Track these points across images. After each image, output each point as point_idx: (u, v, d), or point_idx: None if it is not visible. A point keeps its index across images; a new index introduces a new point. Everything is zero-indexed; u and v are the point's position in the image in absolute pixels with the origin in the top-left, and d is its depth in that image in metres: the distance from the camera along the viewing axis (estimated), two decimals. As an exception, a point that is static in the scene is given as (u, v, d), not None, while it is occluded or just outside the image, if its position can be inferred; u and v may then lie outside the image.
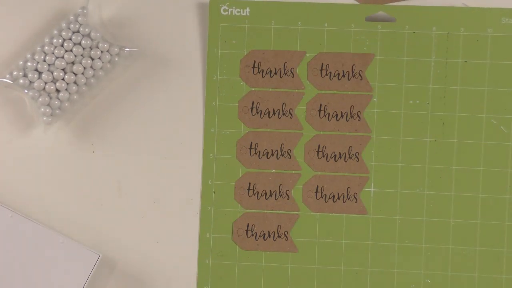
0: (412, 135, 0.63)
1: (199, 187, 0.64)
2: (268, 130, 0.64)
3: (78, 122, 0.64)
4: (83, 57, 0.63)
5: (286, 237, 0.63)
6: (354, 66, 0.63)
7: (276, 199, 0.63)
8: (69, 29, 0.63)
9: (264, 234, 0.63)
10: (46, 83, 0.62)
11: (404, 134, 0.63)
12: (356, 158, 0.63)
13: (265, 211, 0.63)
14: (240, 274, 0.63)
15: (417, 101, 0.63)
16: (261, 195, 0.63)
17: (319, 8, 0.64)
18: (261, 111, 0.64)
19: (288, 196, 0.63)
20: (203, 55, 0.64)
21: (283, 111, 0.64)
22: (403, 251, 0.62)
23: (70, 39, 0.63)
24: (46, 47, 0.63)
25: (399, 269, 0.62)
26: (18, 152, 0.64)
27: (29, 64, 0.62)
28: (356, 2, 0.64)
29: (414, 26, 0.63)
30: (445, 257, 0.62)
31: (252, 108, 0.64)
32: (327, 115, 0.64)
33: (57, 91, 0.63)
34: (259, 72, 0.64)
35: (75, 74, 0.63)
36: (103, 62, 0.63)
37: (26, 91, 0.62)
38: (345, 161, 0.63)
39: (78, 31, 0.63)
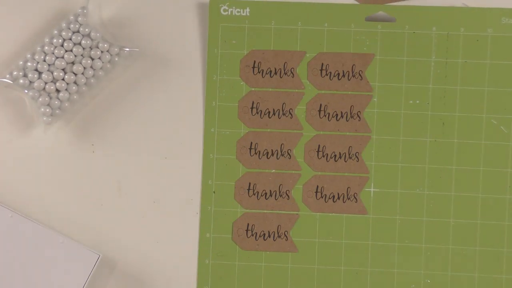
0: (412, 135, 0.63)
1: (199, 187, 0.64)
2: (268, 130, 0.64)
3: (78, 122, 0.64)
4: (83, 57, 0.63)
5: (286, 237, 0.63)
6: (354, 66, 0.63)
7: (276, 199, 0.63)
8: (69, 29, 0.63)
9: (264, 234, 0.63)
10: (46, 83, 0.62)
11: (404, 134, 0.63)
12: (356, 158, 0.63)
13: (265, 211, 0.63)
14: (240, 274, 0.63)
15: (417, 101, 0.63)
16: (261, 195, 0.63)
17: (319, 8, 0.64)
18: (261, 111, 0.64)
19: (288, 196, 0.63)
20: (203, 55, 0.64)
21: (283, 111, 0.64)
22: (403, 251, 0.62)
23: (70, 39, 0.63)
24: (46, 47, 0.63)
25: (399, 269, 0.62)
26: (18, 152, 0.64)
27: (29, 64, 0.62)
28: (356, 2, 0.64)
29: (414, 26, 0.63)
30: (445, 257, 0.62)
31: (252, 108, 0.64)
32: (327, 115, 0.64)
33: (57, 91, 0.63)
34: (259, 72, 0.64)
35: (75, 74, 0.63)
36: (103, 62, 0.63)
37: (26, 91, 0.62)
38: (345, 161, 0.63)
39: (78, 31, 0.63)
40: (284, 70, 0.64)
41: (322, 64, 0.64)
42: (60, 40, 0.63)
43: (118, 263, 0.63)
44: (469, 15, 0.63)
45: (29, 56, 0.63)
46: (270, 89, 0.64)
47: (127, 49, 0.63)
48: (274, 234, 0.63)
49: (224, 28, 0.64)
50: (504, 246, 0.62)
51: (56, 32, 0.63)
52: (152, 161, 0.64)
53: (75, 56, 0.63)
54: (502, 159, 0.63)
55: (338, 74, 0.64)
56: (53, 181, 0.64)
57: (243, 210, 0.63)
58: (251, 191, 0.63)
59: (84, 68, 0.63)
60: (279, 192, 0.63)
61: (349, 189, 0.63)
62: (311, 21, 0.64)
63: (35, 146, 0.64)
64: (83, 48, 0.63)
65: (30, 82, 0.62)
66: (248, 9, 0.64)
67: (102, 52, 0.63)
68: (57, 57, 0.62)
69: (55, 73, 0.62)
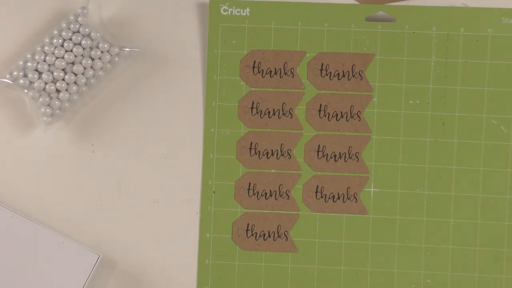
0: (412, 135, 0.63)
1: (199, 187, 0.64)
2: (268, 130, 0.64)
3: (78, 122, 0.64)
4: (83, 57, 0.63)
5: (286, 237, 0.63)
6: (354, 66, 0.63)
7: (276, 199, 0.63)
8: (69, 29, 0.63)
9: (264, 234, 0.63)
10: (46, 83, 0.62)
11: (404, 134, 0.63)
12: (356, 158, 0.63)
13: (265, 211, 0.63)
14: (240, 274, 0.63)
15: (417, 101, 0.63)
16: (261, 195, 0.63)
17: (319, 8, 0.64)
18: (261, 111, 0.64)
19: (288, 196, 0.63)
20: (203, 55, 0.64)
21: (283, 111, 0.64)
22: (403, 251, 0.62)
23: (70, 39, 0.63)
24: (46, 47, 0.63)
25: (399, 269, 0.62)
26: (18, 152, 0.64)
27: (29, 64, 0.62)
28: (356, 2, 0.64)
29: (414, 26, 0.63)
30: (445, 257, 0.62)
31: (252, 108, 0.64)
32: (327, 115, 0.64)
33: (57, 91, 0.63)
34: (259, 72, 0.64)
35: (75, 74, 0.63)
36: (103, 62, 0.63)
37: (26, 91, 0.62)
38: (345, 161, 0.63)
39: (78, 31, 0.63)
40: (284, 70, 0.64)
41: (322, 64, 0.64)
42: (60, 40, 0.63)
43: (118, 263, 0.63)
44: (469, 15, 0.63)
45: (29, 56, 0.63)
46: (270, 89, 0.64)
47: (127, 49, 0.63)
48: (274, 234, 0.63)
49: (224, 28, 0.64)
50: (504, 246, 0.62)
51: (56, 32, 0.63)
52: (152, 161, 0.64)
53: (75, 56, 0.63)
54: (502, 159, 0.63)
55: (338, 74, 0.64)
56: (53, 181, 0.64)
57: (243, 210, 0.63)
58: (251, 191, 0.63)
59: (84, 68, 0.63)
60: (279, 192, 0.63)
61: (349, 189, 0.63)
62: (311, 21, 0.64)
63: (35, 146, 0.64)
64: (83, 48, 0.63)
65: (30, 82, 0.62)
66: (248, 9, 0.64)
67: (102, 52, 0.63)
68: (57, 57, 0.62)
69: (55, 73, 0.62)
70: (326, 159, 0.63)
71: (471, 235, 0.62)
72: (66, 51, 0.63)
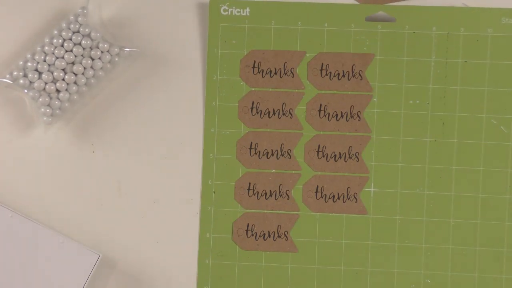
0: (412, 135, 0.63)
1: (199, 187, 0.64)
2: (268, 130, 0.64)
3: (78, 122, 0.64)
4: (83, 57, 0.63)
5: (286, 237, 0.63)
6: (354, 66, 0.63)
7: (276, 199, 0.63)
8: (69, 29, 0.63)
9: (264, 234, 0.63)
10: (46, 83, 0.62)
11: (404, 134, 0.63)
12: (356, 158, 0.63)
13: (265, 211, 0.63)
14: (240, 274, 0.63)
15: (417, 101, 0.63)
16: (261, 195, 0.63)
17: (319, 8, 0.64)
18: (261, 111, 0.64)
19: (288, 196, 0.63)
20: (203, 55, 0.64)
21: (283, 111, 0.64)
22: (403, 251, 0.62)
23: (70, 39, 0.63)
24: (46, 47, 0.63)
25: (399, 269, 0.62)
26: (18, 152, 0.64)
27: (29, 64, 0.62)
28: (356, 2, 0.64)
29: (414, 26, 0.63)
30: (445, 257, 0.62)
31: (252, 108, 0.64)
32: (327, 115, 0.64)
33: (57, 91, 0.63)
34: (259, 72, 0.64)
35: (75, 74, 0.63)
36: (103, 62, 0.63)
37: (26, 91, 0.62)
38: (345, 161, 0.63)
39: (78, 31, 0.63)
40: (284, 70, 0.64)
41: (322, 64, 0.64)
42: (60, 40, 0.63)
43: (118, 263, 0.63)
44: (469, 15, 0.63)
45: (29, 56, 0.63)
46: (270, 89, 0.64)
47: (127, 49, 0.63)
48: (274, 234, 0.63)
49: (224, 28, 0.64)
50: (504, 246, 0.62)
51: (56, 32, 0.63)
52: (152, 161, 0.64)
53: (75, 56, 0.63)
54: (502, 159, 0.63)
55: (338, 74, 0.64)
56: (53, 181, 0.64)
57: (243, 210, 0.63)
58: (251, 191, 0.63)
59: (84, 68, 0.63)
60: (279, 192, 0.63)
61: (349, 189, 0.63)
62: (311, 21, 0.64)
63: (35, 146, 0.64)
64: (83, 48, 0.63)
65: (30, 82, 0.62)
66: (248, 9, 0.64)
67: (102, 52, 0.63)
68: (57, 57, 0.62)
69: (55, 73, 0.62)
70: (326, 159, 0.63)
71: (471, 235, 0.62)
72: (66, 51, 0.63)
